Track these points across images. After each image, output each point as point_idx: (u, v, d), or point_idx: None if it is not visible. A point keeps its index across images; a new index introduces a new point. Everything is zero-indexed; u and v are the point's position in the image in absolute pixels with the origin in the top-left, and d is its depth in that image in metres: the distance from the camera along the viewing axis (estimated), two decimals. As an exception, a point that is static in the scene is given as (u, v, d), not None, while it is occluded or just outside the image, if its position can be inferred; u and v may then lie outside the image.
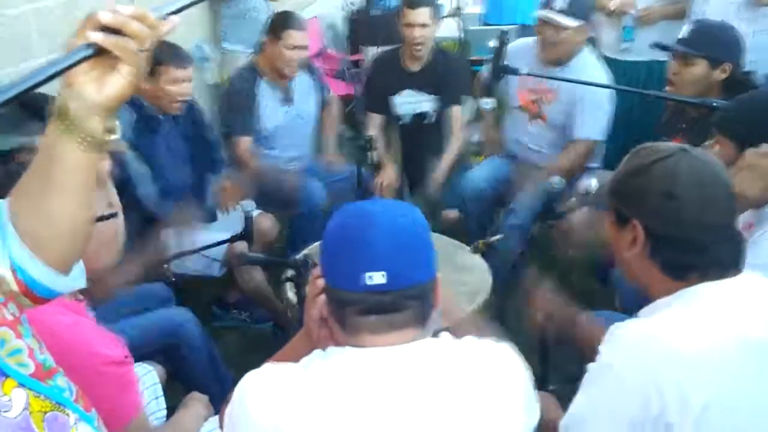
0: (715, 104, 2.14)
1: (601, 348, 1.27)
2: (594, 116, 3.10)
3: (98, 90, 0.89)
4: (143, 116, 2.71)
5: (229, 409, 1.16)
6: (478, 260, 2.50)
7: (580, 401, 1.30)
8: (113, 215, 1.59)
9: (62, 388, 0.96)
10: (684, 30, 2.56)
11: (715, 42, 2.48)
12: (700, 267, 1.28)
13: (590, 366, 1.28)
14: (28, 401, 0.89)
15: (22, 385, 0.89)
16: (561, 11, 2.97)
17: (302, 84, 3.46)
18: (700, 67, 2.48)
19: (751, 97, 1.93)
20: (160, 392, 1.92)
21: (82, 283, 1.08)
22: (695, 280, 1.28)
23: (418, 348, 1.13)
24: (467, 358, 1.15)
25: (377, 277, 1.08)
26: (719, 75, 2.47)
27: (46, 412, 0.91)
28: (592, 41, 4.05)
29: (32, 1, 2.92)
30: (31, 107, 1.92)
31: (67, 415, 0.95)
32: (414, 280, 1.12)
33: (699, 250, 1.28)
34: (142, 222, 2.71)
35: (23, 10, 2.87)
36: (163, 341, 2.18)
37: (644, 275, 1.36)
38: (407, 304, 1.12)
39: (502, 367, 1.16)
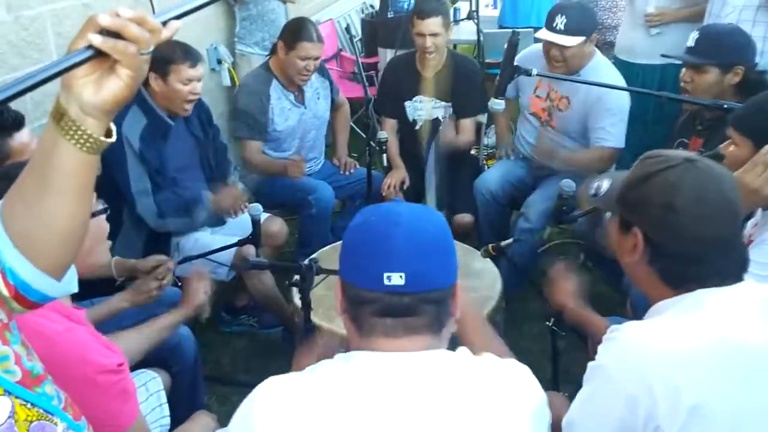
0: (726, 106, 2.12)
1: (599, 348, 1.28)
2: (617, 123, 3.07)
3: (96, 92, 0.88)
4: (153, 121, 2.70)
5: (235, 419, 1.13)
6: (488, 265, 2.47)
7: (576, 400, 1.31)
8: (105, 211, 1.58)
9: (50, 396, 0.95)
10: (690, 39, 2.54)
11: (723, 47, 2.46)
12: (699, 279, 1.27)
13: (589, 365, 1.29)
14: (13, 409, 0.88)
15: (8, 392, 0.88)
16: (561, 31, 2.94)
17: (314, 85, 3.45)
18: (712, 74, 2.46)
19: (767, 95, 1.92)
20: (164, 399, 1.92)
21: (74, 288, 1.07)
22: (695, 289, 1.28)
23: (430, 358, 1.11)
24: (480, 375, 1.12)
25: (395, 278, 1.08)
26: (732, 78, 2.45)
27: (32, 421, 0.90)
28: (610, 45, 4.02)
29: (49, 3, 2.93)
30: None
31: (55, 424, 0.93)
32: (432, 284, 1.11)
33: (697, 263, 1.27)
34: (147, 236, 2.72)
35: (40, 12, 2.88)
36: (157, 354, 2.16)
37: (644, 281, 1.36)
38: (424, 309, 1.11)
39: (515, 390, 1.13)
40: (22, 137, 2.04)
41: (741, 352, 1.19)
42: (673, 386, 1.14)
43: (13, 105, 1.99)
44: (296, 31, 3.18)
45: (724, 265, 1.28)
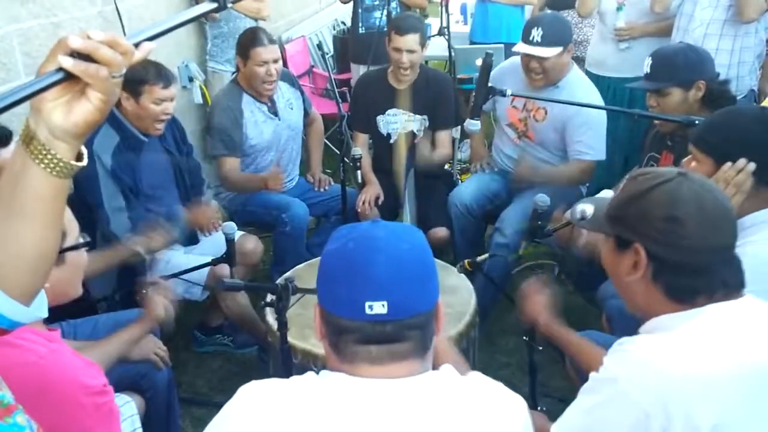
0: (696, 121, 2.14)
1: (607, 360, 1.28)
2: (596, 136, 3.10)
3: (66, 116, 0.86)
4: (126, 138, 2.68)
5: (215, 420, 1.11)
6: (462, 281, 2.47)
7: (578, 408, 1.30)
8: (87, 244, 1.56)
9: (22, 427, 0.92)
10: (645, 65, 2.58)
11: (677, 67, 2.49)
12: (706, 290, 1.28)
13: (593, 375, 1.28)
14: None
15: None
16: (538, 43, 2.98)
17: (285, 95, 3.45)
18: (675, 95, 2.49)
19: (728, 112, 1.95)
20: (139, 424, 1.88)
21: (44, 313, 1.04)
22: (702, 303, 1.28)
23: (419, 383, 1.09)
24: (470, 397, 1.10)
25: (377, 307, 1.04)
26: (696, 94, 2.48)
27: None
28: (577, 59, 4.08)
29: (16, 22, 2.89)
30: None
31: (26, 454, 0.91)
32: (416, 309, 1.08)
33: (703, 273, 1.28)
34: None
35: (7, 31, 2.84)
36: (130, 377, 2.13)
37: (646, 300, 1.35)
38: (408, 335, 1.08)
39: (504, 411, 1.12)
40: (8, 153, 2.01)
41: (757, 373, 1.20)
42: (691, 408, 1.15)
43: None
44: (247, 41, 3.22)
45: (729, 274, 1.29)
